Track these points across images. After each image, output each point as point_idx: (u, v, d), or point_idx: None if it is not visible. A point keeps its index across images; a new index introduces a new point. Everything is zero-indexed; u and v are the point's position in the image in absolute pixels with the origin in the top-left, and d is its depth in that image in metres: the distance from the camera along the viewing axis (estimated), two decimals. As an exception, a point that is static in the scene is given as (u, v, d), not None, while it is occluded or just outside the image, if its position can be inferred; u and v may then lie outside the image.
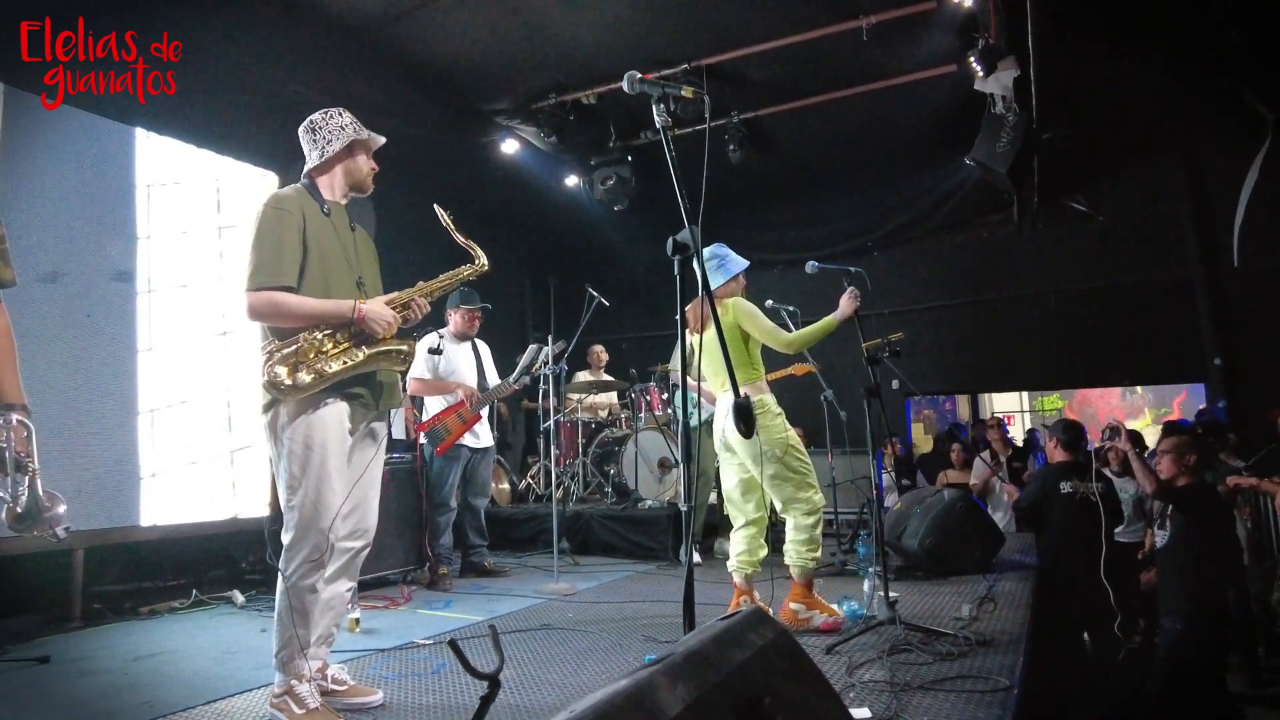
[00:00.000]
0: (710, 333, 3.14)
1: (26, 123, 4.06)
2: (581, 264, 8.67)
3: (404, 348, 2.49)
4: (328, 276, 2.44)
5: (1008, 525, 5.68)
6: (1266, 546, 5.06)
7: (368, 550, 2.58)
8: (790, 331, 3.36)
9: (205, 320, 4.86)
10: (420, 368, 4.66)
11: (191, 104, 4.71)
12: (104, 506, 4.23)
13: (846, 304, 3.24)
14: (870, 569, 3.39)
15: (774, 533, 3.50)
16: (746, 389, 3.17)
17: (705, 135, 2.70)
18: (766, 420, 3.15)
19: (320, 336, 2.36)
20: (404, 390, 4.53)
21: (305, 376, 2.29)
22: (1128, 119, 6.86)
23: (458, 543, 4.88)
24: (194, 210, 4.91)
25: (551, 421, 5.35)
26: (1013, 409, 11.62)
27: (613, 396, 7.28)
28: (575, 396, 6.68)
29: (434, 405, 4.78)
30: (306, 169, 2.57)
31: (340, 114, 2.56)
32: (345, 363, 2.37)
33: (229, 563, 4.94)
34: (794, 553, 3.19)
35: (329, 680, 2.47)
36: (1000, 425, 6.87)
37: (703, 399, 4.32)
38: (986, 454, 6.37)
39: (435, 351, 4.54)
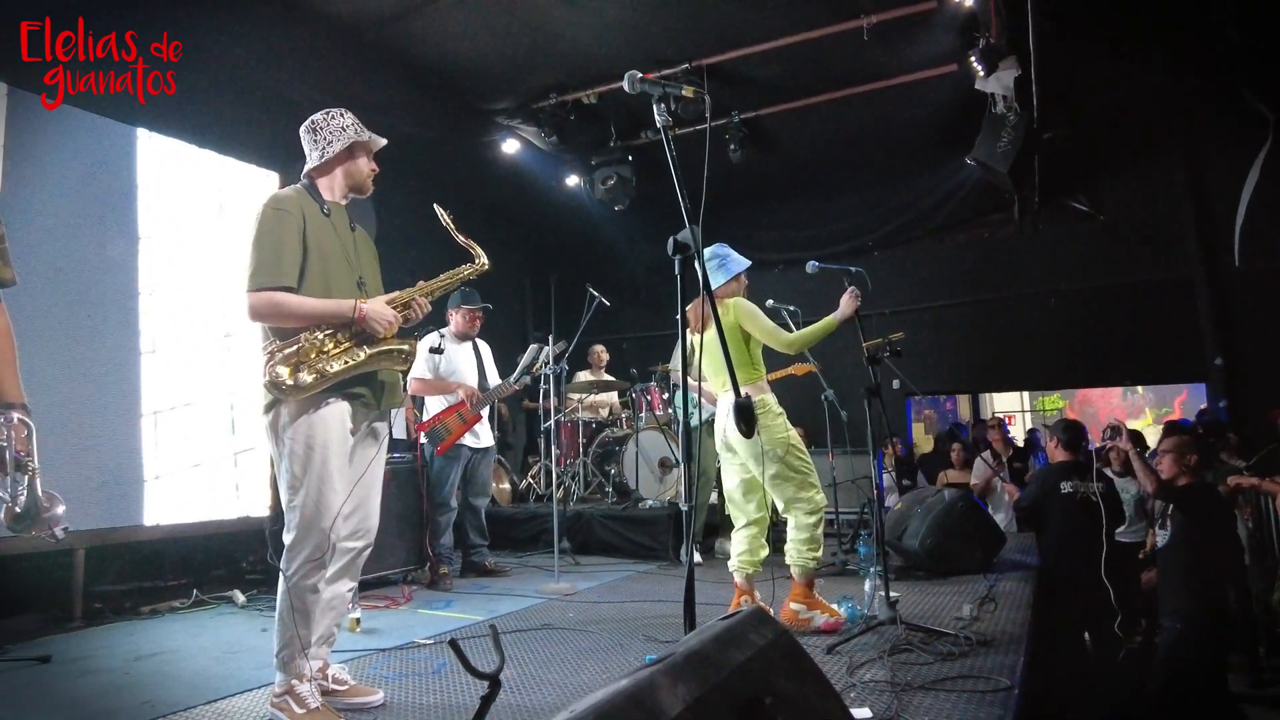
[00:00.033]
0: (711, 332, 3.14)
1: (29, 123, 4.06)
2: (582, 264, 8.67)
3: (405, 347, 2.49)
4: (328, 277, 2.44)
5: (1009, 525, 5.67)
6: (1267, 546, 5.05)
7: (369, 550, 2.58)
8: (791, 332, 3.36)
9: (208, 322, 4.86)
10: (421, 367, 4.66)
11: (193, 104, 4.71)
12: (108, 510, 4.23)
13: (847, 304, 3.23)
14: (871, 569, 3.39)
15: (775, 532, 3.50)
16: (747, 389, 3.16)
17: (706, 135, 2.71)
18: (768, 420, 3.15)
19: (321, 336, 2.36)
20: (405, 390, 4.53)
21: (307, 377, 2.30)
22: (1129, 119, 6.86)
23: (458, 542, 4.88)
24: (196, 211, 4.91)
25: (552, 421, 5.35)
26: (1013, 409, 11.62)
27: (613, 396, 7.28)
28: (576, 396, 6.68)
29: (434, 405, 4.78)
30: (306, 169, 2.57)
31: (342, 114, 2.56)
32: (347, 362, 2.37)
33: (230, 562, 4.94)
34: (795, 552, 3.19)
35: (330, 680, 2.47)
36: (1001, 425, 6.87)
37: (703, 399, 4.32)
38: (988, 454, 6.37)
39: (436, 351, 4.54)
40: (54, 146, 4.19)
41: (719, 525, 5.34)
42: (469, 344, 4.93)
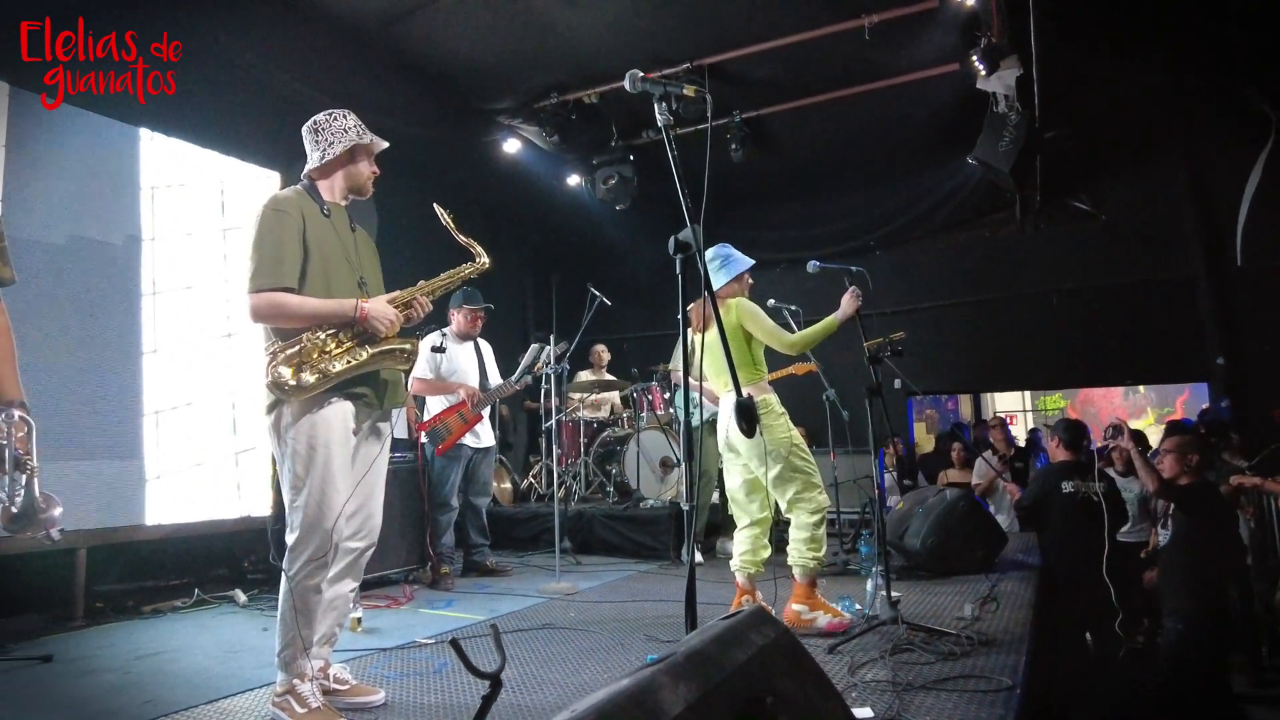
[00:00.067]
0: (713, 332, 3.13)
1: (30, 123, 4.06)
2: (583, 263, 8.67)
3: (407, 346, 2.49)
4: (329, 277, 2.44)
5: (1011, 526, 5.66)
6: (1270, 546, 5.05)
7: (372, 550, 2.58)
8: (793, 331, 3.36)
9: (210, 322, 4.86)
10: (423, 367, 4.66)
11: (194, 104, 4.71)
12: (109, 509, 4.23)
13: (848, 303, 3.23)
14: (873, 569, 3.39)
15: (777, 532, 3.50)
16: (749, 389, 3.16)
17: (707, 134, 2.71)
18: (770, 420, 3.15)
19: (323, 336, 2.36)
20: (407, 389, 4.53)
21: (309, 377, 2.30)
22: (1130, 118, 6.85)
23: (460, 542, 4.88)
24: (198, 211, 4.91)
25: (553, 421, 5.35)
26: (1015, 408, 11.61)
27: (614, 396, 7.28)
28: (577, 396, 6.68)
29: (436, 405, 4.79)
30: (307, 169, 2.57)
31: (345, 116, 2.55)
32: (349, 362, 2.37)
33: (231, 562, 4.94)
34: (797, 552, 3.19)
35: (331, 679, 2.48)
36: (1003, 425, 6.87)
37: (704, 399, 4.31)
38: (990, 454, 6.36)
39: (438, 350, 4.54)
40: (55, 146, 4.20)
41: (720, 525, 5.34)
42: (470, 344, 4.93)
